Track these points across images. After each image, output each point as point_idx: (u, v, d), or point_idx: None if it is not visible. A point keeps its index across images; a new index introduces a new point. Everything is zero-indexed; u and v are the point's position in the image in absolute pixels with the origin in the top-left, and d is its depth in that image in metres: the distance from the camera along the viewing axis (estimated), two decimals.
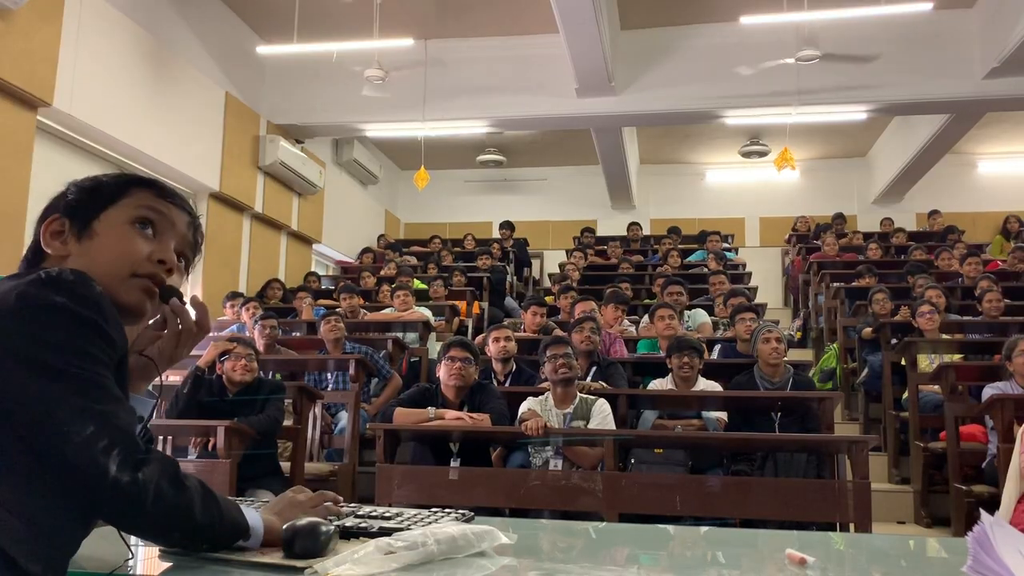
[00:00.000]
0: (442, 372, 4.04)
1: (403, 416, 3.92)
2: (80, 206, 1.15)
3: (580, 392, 4.20)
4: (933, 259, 8.73)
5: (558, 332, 6.19)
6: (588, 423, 3.96)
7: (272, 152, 8.77)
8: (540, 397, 4.15)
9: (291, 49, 8.26)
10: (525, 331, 6.45)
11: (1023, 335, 4.66)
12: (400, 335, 6.56)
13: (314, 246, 10.44)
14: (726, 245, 10.65)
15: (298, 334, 6.95)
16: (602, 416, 3.96)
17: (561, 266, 9.45)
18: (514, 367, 5.04)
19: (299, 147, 9.37)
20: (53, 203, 1.18)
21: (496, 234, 11.72)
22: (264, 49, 8.51)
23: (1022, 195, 11.66)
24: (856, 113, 8.61)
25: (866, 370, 6.35)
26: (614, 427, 3.99)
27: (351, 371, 5.35)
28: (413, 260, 10.45)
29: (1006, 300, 6.56)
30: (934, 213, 11.15)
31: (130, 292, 1.13)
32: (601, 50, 7.55)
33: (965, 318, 6.77)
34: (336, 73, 8.81)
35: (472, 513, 1.37)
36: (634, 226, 11.53)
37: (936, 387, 5.19)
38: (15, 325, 0.97)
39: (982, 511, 0.84)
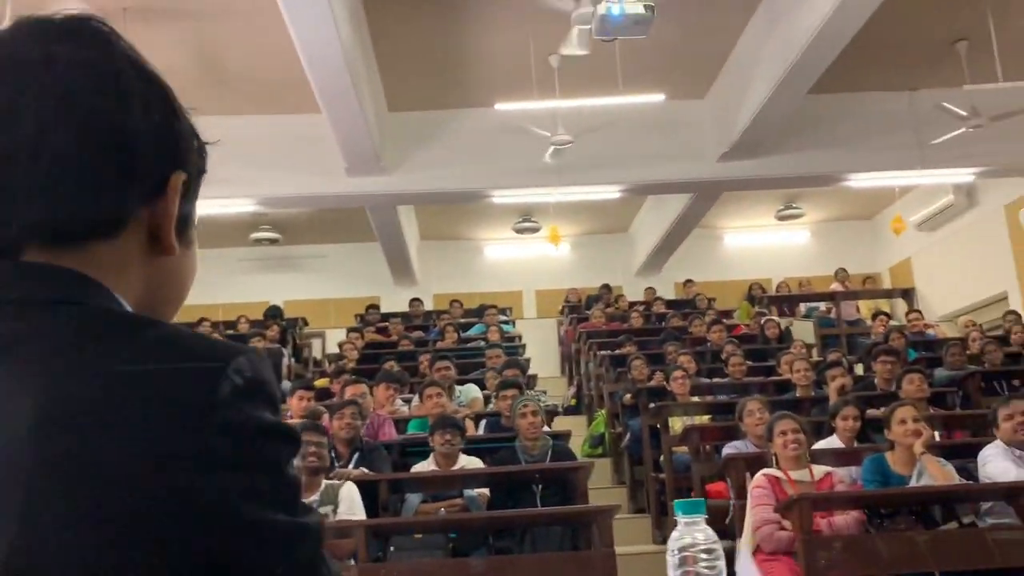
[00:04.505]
0: None
1: None
2: (195, 186, 0.69)
3: (339, 479, 4.05)
4: (687, 325, 9.44)
5: (326, 418, 5.98)
6: (337, 509, 3.80)
7: None
8: None
9: None
10: (292, 417, 6.16)
11: (752, 396, 5.09)
12: None
13: None
14: (503, 317, 10.90)
15: None
16: (350, 501, 3.84)
17: (340, 346, 9.21)
18: None
19: None
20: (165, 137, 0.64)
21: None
22: None
23: (763, 264, 13.03)
24: (609, 192, 9.23)
25: (628, 434, 6.65)
26: (363, 511, 3.85)
27: None
28: None
29: (748, 362, 7.18)
30: (688, 282, 12.15)
31: None
32: (367, 131, 7.54)
33: (714, 380, 7.31)
34: None
35: None
36: (415, 301, 11.51)
37: (686, 448, 5.51)
38: (227, 475, 0.53)
39: None
